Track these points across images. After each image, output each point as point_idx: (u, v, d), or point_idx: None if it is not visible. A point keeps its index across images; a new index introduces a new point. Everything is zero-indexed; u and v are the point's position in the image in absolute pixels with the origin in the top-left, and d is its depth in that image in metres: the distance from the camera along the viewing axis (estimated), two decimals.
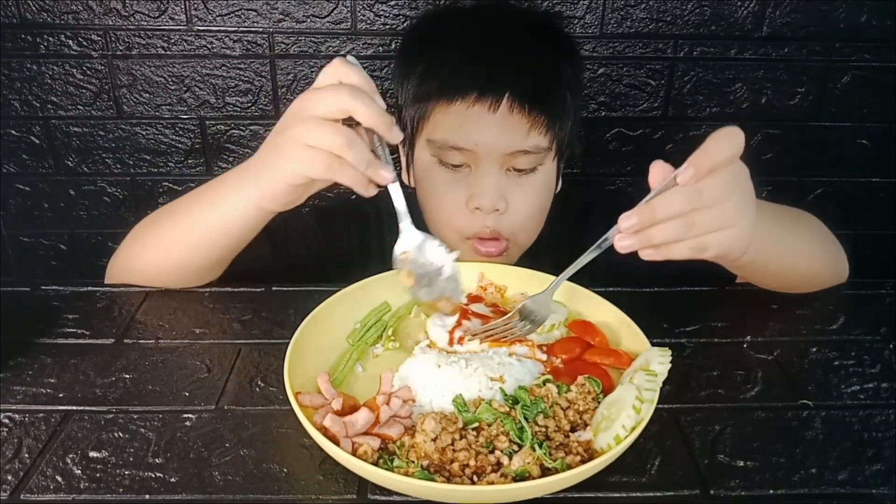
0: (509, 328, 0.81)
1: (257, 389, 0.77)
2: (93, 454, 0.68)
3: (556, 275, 0.91)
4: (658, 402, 0.66)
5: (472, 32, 1.01)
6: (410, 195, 1.09)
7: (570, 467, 0.62)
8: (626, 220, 0.67)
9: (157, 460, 0.67)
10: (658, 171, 0.68)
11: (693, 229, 0.67)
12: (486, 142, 0.95)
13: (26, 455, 0.68)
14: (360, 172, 0.72)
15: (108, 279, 1.00)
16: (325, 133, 0.72)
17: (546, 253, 1.11)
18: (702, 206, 0.67)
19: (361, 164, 0.72)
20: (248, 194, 0.83)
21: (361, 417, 0.67)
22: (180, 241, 0.92)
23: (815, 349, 0.85)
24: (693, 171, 0.65)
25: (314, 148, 0.73)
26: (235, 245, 0.91)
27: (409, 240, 0.79)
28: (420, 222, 1.07)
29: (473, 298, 0.89)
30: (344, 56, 0.77)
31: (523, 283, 0.92)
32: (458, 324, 0.82)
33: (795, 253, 0.92)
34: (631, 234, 0.68)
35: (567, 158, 1.08)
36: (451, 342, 0.81)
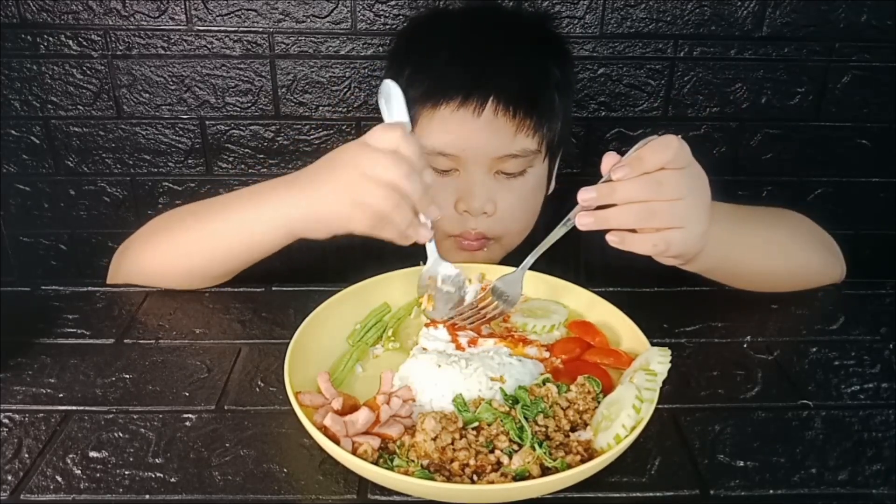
0: (484, 308, 0.83)
1: (257, 389, 0.77)
2: (93, 454, 0.68)
3: (554, 274, 0.92)
4: (658, 402, 0.66)
5: (459, 36, 1.01)
6: None
7: (570, 467, 0.62)
8: (585, 192, 0.70)
9: (157, 460, 0.67)
10: (608, 161, 0.71)
11: (654, 219, 0.69)
12: (473, 146, 0.94)
13: (26, 455, 0.68)
14: (401, 231, 0.77)
15: (112, 278, 1.00)
16: (376, 195, 0.75)
17: (544, 253, 1.10)
18: (660, 197, 0.69)
19: (405, 225, 0.77)
20: (284, 218, 0.84)
21: (362, 417, 0.67)
22: (197, 248, 0.92)
23: (815, 349, 0.85)
24: (627, 170, 0.69)
25: (362, 204, 0.76)
26: (254, 259, 0.92)
27: (435, 266, 0.85)
28: None
29: None
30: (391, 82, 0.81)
31: (526, 285, 0.92)
32: (455, 335, 0.82)
33: (765, 254, 0.92)
34: (591, 213, 0.70)
35: (562, 159, 1.08)
36: (458, 348, 0.81)
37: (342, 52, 1.38)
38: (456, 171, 0.97)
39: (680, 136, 0.71)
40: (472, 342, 0.81)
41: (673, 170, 0.69)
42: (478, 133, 0.93)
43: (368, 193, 0.75)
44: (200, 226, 0.92)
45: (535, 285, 0.91)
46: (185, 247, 0.93)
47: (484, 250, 1.03)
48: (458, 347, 0.80)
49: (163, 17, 1.34)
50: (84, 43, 1.35)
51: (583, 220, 0.71)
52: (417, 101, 0.96)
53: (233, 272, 0.95)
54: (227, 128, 1.44)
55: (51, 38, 1.35)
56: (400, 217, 0.76)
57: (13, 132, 1.42)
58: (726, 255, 0.86)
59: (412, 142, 0.76)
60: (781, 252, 0.94)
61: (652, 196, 0.69)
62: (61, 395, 0.76)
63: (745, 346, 0.86)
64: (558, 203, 1.08)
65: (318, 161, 0.83)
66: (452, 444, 0.65)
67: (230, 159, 1.46)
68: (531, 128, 0.94)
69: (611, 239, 0.71)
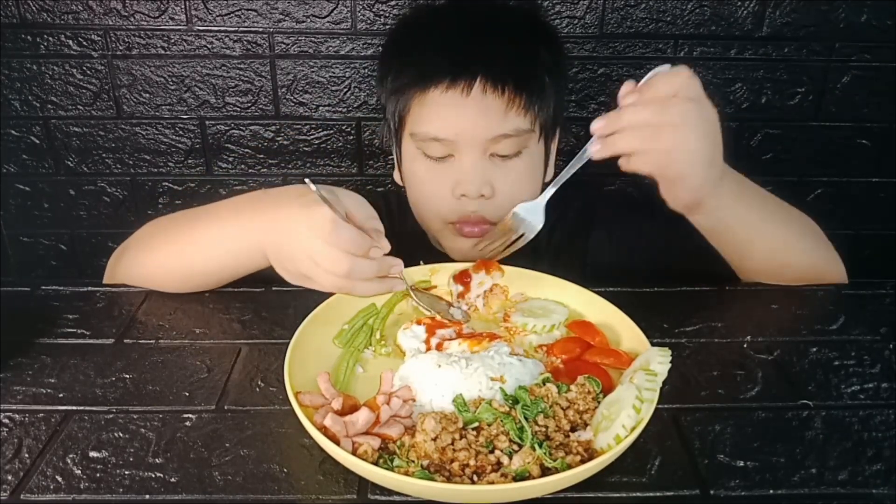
0: (505, 234, 0.87)
1: (257, 389, 0.77)
2: (93, 454, 0.68)
3: (556, 275, 0.92)
4: (658, 402, 0.66)
5: (446, 25, 1.03)
6: (400, 187, 1.10)
7: (570, 467, 0.62)
8: (597, 122, 0.76)
9: (157, 460, 0.67)
10: (624, 89, 0.77)
11: (657, 140, 0.74)
12: (465, 128, 0.94)
13: (26, 455, 0.68)
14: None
15: (109, 279, 1.00)
16: (327, 280, 0.73)
17: (547, 255, 1.10)
18: (664, 122, 0.73)
19: (369, 294, 0.76)
20: (257, 241, 0.82)
21: (362, 417, 0.67)
22: (178, 261, 0.93)
23: (815, 349, 0.85)
24: (636, 95, 0.74)
25: (318, 284, 0.74)
26: (234, 275, 0.92)
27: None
28: (409, 212, 1.08)
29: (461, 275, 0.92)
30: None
31: (526, 284, 0.92)
32: (431, 333, 0.82)
33: (772, 229, 0.93)
34: (601, 139, 0.76)
35: (562, 147, 1.08)
36: (428, 349, 0.80)
37: (342, 52, 1.37)
38: (451, 156, 0.98)
39: (693, 72, 0.75)
40: (439, 346, 0.80)
41: (681, 98, 0.73)
42: (468, 114, 0.94)
43: (320, 279, 0.73)
44: (185, 238, 0.92)
45: (536, 285, 0.91)
46: (169, 258, 0.94)
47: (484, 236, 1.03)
48: (428, 349, 0.80)
49: (163, 17, 1.34)
50: (84, 43, 1.35)
51: (593, 147, 0.76)
52: (408, 89, 0.97)
53: (217, 282, 0.95)
54: (227, 128, 1.44)
55: (51, 38, 1.35)
56: (361, 290, 0.74)
57: (13, 132, 1.42)
58: (735, 214, 0.88)
59: (344, 232, 0.71)
60: (790, 232, 0.95)
61: (656, 120, 0.73)
62: (61, 395, 0.76)
63: (745, 346, 0.86)
64: (559, 205, 1.08)
65: (275, 209, 0.79)
66: (452, 444, 0.65)
67: (230, 159, 1.46)
68: (522, 106, 0.95)
69: (621, 162, 0.76)
